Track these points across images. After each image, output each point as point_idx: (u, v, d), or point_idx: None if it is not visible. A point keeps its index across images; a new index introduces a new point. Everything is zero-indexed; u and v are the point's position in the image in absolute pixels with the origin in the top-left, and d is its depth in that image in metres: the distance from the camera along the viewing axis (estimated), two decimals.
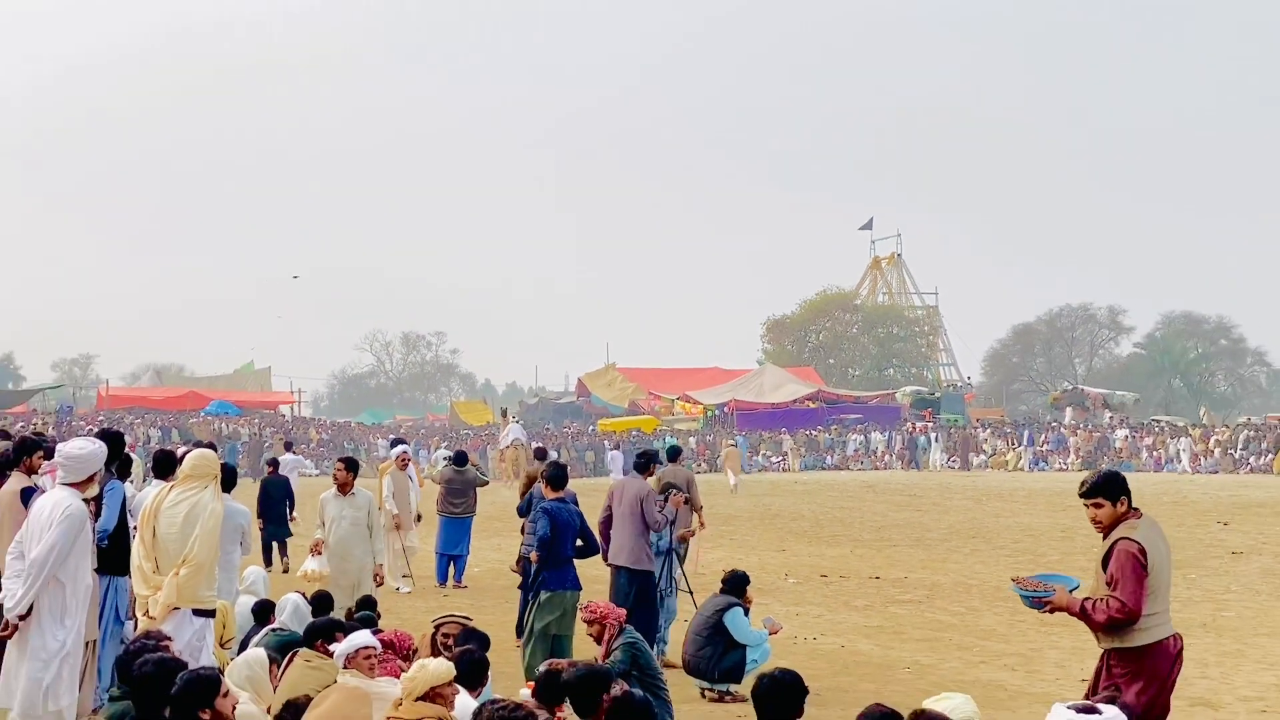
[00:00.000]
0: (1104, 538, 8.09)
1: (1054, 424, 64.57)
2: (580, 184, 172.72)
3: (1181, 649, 8.08)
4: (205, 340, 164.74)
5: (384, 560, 14.29)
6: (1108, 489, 8.11)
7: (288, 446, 33.45)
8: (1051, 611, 8.09)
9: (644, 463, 15.14)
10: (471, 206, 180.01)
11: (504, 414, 55.69)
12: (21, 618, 9.10)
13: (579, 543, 13.08)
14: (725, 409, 71.06)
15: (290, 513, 23.34)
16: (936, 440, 63.08)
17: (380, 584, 14.06)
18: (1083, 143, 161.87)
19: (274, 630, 10.65)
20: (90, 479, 9.59)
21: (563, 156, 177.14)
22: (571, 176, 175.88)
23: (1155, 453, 55.89)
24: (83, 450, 9.60)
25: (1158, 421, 64.27)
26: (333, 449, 62.71)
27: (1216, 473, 51.38)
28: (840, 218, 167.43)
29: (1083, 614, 7.90)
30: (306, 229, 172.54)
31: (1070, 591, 8.03)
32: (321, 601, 11.20)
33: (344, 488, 14.31)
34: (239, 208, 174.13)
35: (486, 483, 23.25)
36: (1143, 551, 7.89)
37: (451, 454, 23.52)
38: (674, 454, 18.14)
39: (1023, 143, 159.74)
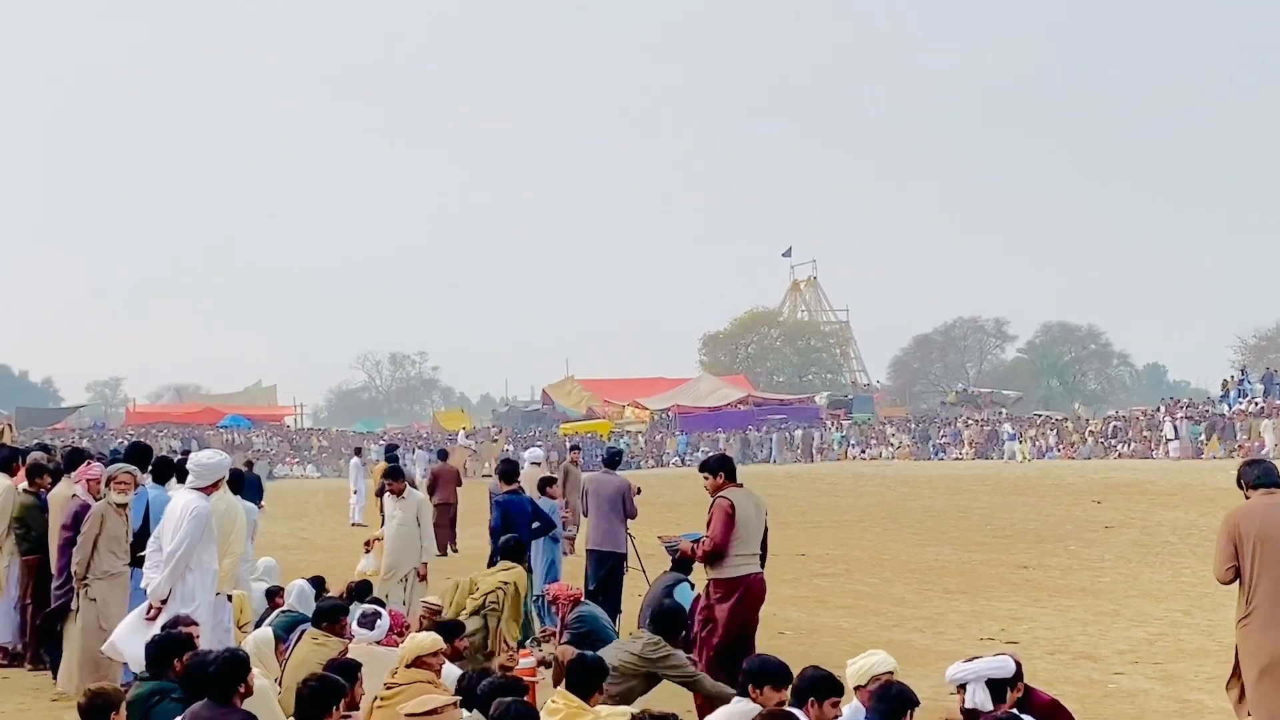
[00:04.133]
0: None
1: (951, 420, 64.84)
2: (543, 217, 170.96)
3: (761, 586, 9.50)
4: (220, 362, 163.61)
5: (429, 558, 13.97)
6: (710, 466, 9.70)
7: (358, 452, 33.63)
8: (683, 555, 10.07)
9: (614, 459, 15.17)
10: (443, 240, 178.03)
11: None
12: (163, 602, 9.29)
13: (535, 525, 12.95)
14: (669, 413, 71.00)
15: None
16: (848, 438, 63.46)
17: (423, 578, 13.54)
18: (971, 169, 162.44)
19: (283, 612, 10.57)
20: (216, 484, 9.70)
21: (523, 191, 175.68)
22: (535, 210, 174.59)
23: (1037, 443, 56.18)
24: (211, 460, 9.82)
25: (1038, 415, 64.66)
26: (333, 454, 62.43)
27: (1090, 458, 51.72)
28: (766, 248, 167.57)
29: (693, 553, 9.63)
30: (306, 264, 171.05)
31: (693, 542, 9.72)
32: (363, 589, 11.18)
33: (397, 492, 14.07)
34: (247, 248, 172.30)
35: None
36: (732, 507, 9.27)
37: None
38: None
39: (923, 170, 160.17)
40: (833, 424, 66.50)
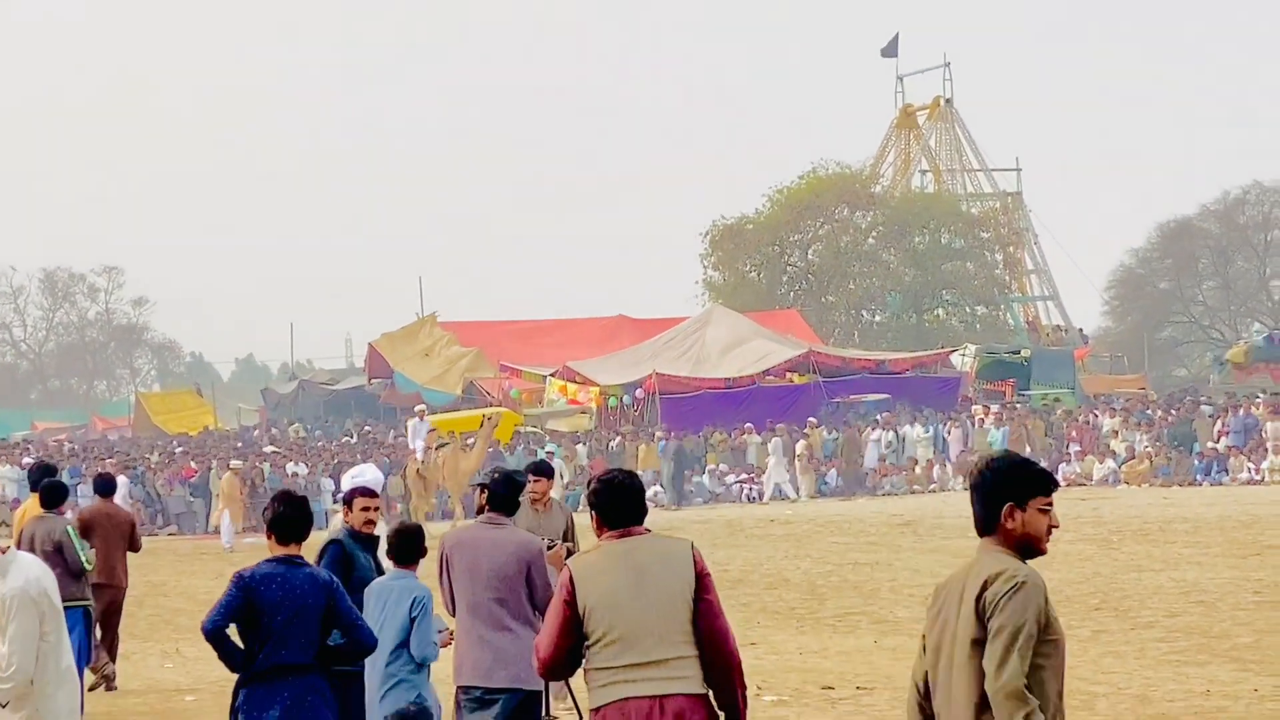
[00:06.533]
0: None
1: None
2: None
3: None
4: None
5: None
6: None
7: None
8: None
9: (506, 491, 14.64)
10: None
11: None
12: None
13: (333, 637, 12.59)
14: (641, 390, 71.50)
15: None
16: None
17: None
18: None
19: None
20: None
21: None
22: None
23: None
24: None
25: None
26: None
27: None
28: (840, 39, 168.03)
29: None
30: None
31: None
32: None
33: None
34: None
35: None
36: (571, 585, 10.08)
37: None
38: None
39: None
40: (990, 411, 66.98)
